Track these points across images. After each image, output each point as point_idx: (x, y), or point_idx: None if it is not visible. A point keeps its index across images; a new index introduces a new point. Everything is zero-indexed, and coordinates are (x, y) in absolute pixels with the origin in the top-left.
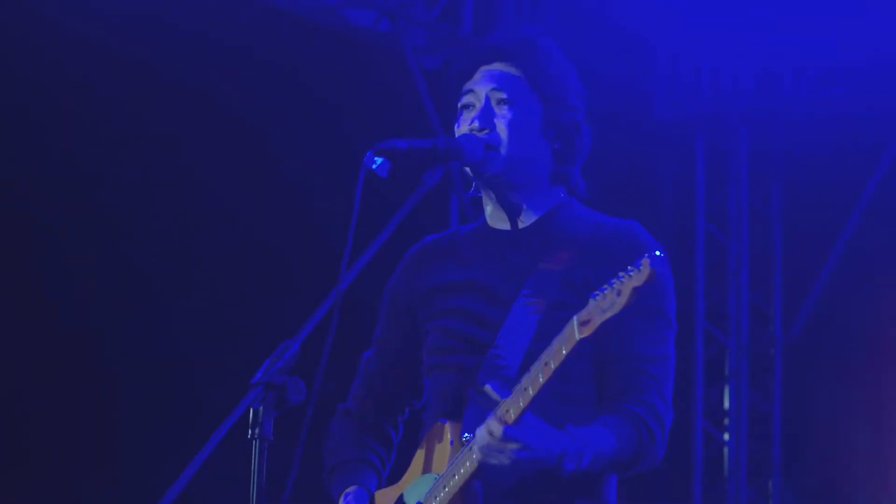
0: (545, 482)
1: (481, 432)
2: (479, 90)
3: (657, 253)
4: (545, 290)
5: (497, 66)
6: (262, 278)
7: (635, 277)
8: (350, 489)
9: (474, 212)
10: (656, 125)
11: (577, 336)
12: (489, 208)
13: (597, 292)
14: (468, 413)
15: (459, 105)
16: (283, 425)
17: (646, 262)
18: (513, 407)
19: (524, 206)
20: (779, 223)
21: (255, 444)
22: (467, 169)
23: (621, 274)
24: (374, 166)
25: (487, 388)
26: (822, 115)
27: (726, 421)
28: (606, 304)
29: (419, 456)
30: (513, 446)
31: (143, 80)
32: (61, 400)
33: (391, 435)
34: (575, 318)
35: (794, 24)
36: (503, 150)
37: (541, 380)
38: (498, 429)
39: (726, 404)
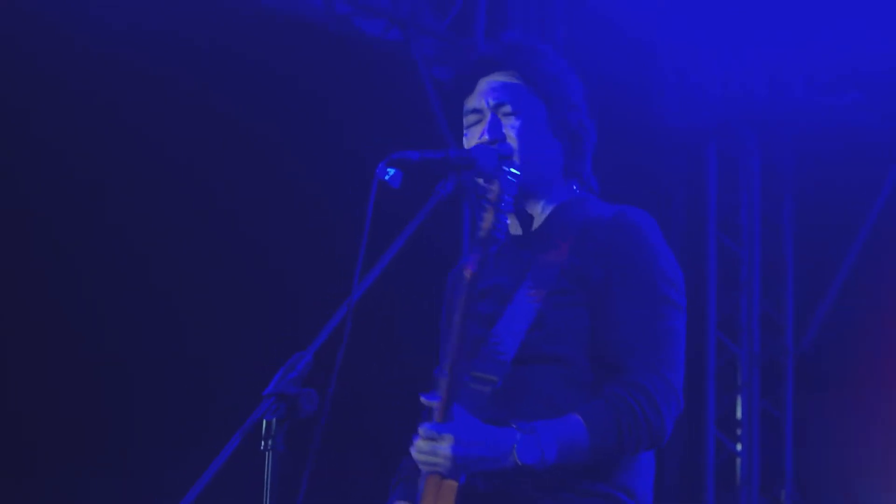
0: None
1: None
2: (482, 105)
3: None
4: (544, 280)
5: (495, 77)
6: (273, 289)
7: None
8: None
9: None
10: (667, 133)
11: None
12: (511, 217)
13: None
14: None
15: (465, 122)
16: (295, 436)
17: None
18: (439, 406)
19: (539, 209)
20: (790, 232)
21: (268, 456)
22: (480, 181)
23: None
24: (386, 177)
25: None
26: (834, 123)
27: (738, 430)
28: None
29: None
30: (443, 443)
31: (153, 88)
32: (72, 411)
33: None
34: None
35: (805, 31)
36: (517, 160)
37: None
38: (423, 430)
39: (738, 414)
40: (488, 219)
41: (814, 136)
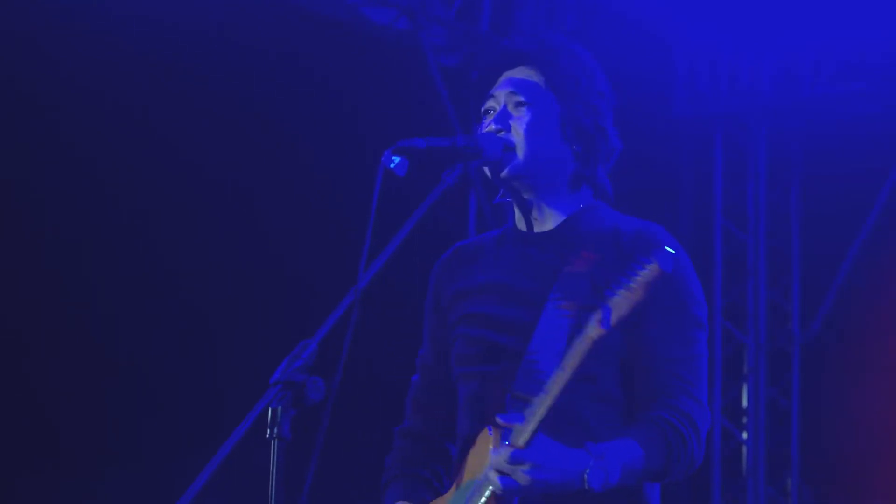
0: (582, 495)
1: (492, 459)
2: (498, 95)
3: (668, 249)
4: (575, 293)
5: (518, 71)
6: (280, 277)
7: (646, 274)
8: None
9: (495, 214)
10: (675, 122)
11: (593, 334)
12: (517, 212)
13: (612, 291)
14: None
15: (482, 110)
16: (301, 425)
17: (654, 260)
18: (524, 431)
19: (548, 209)
20: (797, 221)
21: (274, 444)
22: (485, 169)
23: (634, 270)
24: (392, 165)
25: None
26: (840, 112)
27: (745, 419)
28: (621, 300)
29: (465, 464)
30: (524, 467)
31: (159, 78)
32: (81, 399)
33: (450, 451)
34: (592, 317)
35: (813, 21)
36: (520, 152)
37: (559, 385)
38: (505, 454)
39: (745, 402)
40: None
41: (820, 125)
